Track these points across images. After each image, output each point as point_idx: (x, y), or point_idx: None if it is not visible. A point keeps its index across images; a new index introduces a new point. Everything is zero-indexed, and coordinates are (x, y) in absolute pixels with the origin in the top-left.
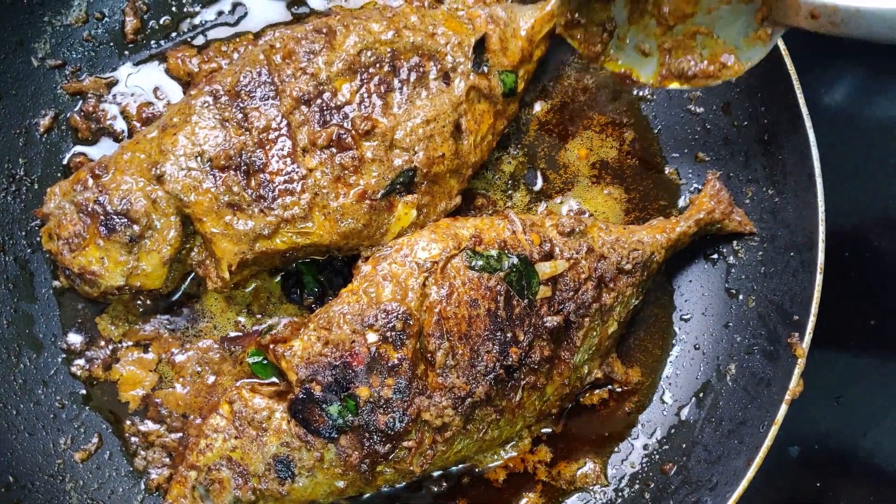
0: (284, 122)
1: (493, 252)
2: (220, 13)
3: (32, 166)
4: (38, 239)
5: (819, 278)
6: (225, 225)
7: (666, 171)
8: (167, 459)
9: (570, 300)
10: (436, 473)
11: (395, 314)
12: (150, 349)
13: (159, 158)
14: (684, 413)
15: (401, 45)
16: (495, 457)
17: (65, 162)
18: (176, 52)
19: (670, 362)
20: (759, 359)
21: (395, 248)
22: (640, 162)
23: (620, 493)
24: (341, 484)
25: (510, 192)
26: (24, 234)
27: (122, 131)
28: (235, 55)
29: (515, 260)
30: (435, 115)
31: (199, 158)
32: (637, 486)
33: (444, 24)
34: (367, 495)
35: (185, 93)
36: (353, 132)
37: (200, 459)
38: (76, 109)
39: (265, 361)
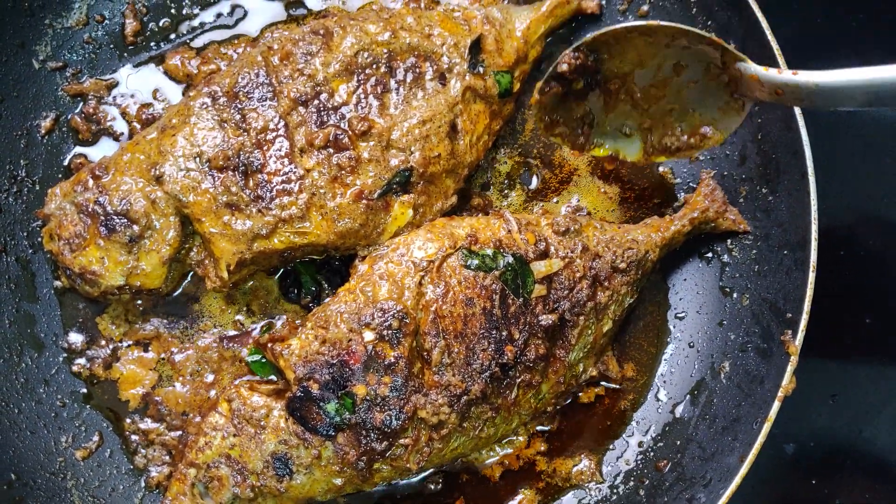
0: (282, 123)
1: (489, 251)
2: (219, 15)
3: (34, 167)
4: (39, 239)
5: (812, 276)
6: (223, 225)
7: (660, 170)
8: (167, 457)
9: (565, 299)
10: (432, 470)
11: (391, 313)
12: (149, 348)
13: (158, 159)
14: (679, 410)
15: (397, 46)
16: (491, 453)
17: (65, 163)
18: (175, 54)
19: (665, 360)
20: (752, 356)
21: (392, 247)
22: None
23: (615, 490)
24: (339, 481)
25: (506, 191)
26: (25, 234)
27: (122, 133)
28: (234, 57)
29: (511, 259)
30: (431, 115)
31: (197, 159)
32: (632, 483)
33: (440, 25)
34: (365, 492)
35: (184, 94)
36: (350, 133)
37: (200, 457)
38: (77, 111)
39: (263, 360)
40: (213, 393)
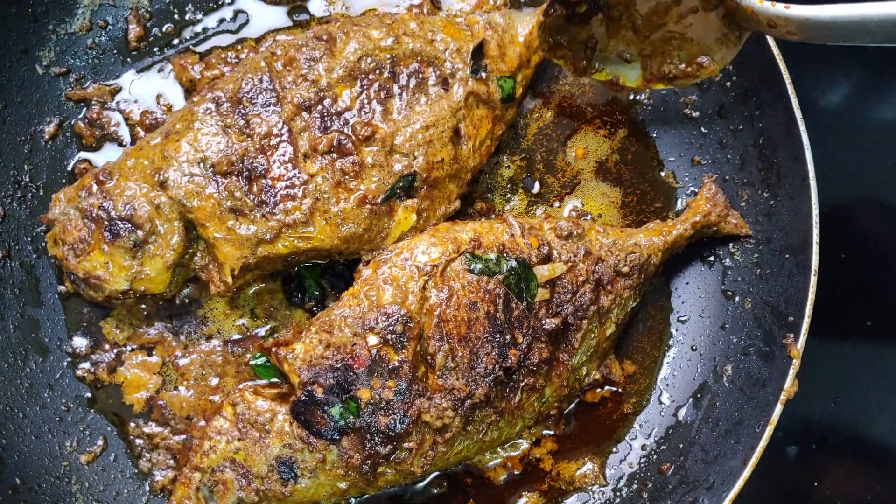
0: (286, 129)
1: (492, 255)
2: (222, 20)
3: (37, 173)
4: (43, 244)
5: (813, 280)
6: (227, 230)
7: (662, 175)
8: (171, 461)
9: (568, 303)
10: (436, 474)
11: (395, 317)
12: (154, 352)
13: (162, 164)
14: (681, 414)
15: (400, 51)
16: (495, 456)
17: (69, 168)
18: (178, 60)
19: (667, 363)
20: (754, 360)
21: (396, 251)
22: (637, 165)
23: (619, 493)
24: (343, 485)
25: (509, 196)
26: (29, 239)
27: (126, 138)
28: (237, 62)
29: (514, 263)
30: (434, 120)
31: (201, 164)
32: (635, 486)
33: (442, 31)
34: (369, 496)
35: (187, 100)
36: (354, 138)
37: (204, 461)
38: (80, 116)
39: (267, 364)
40: (217, 397)
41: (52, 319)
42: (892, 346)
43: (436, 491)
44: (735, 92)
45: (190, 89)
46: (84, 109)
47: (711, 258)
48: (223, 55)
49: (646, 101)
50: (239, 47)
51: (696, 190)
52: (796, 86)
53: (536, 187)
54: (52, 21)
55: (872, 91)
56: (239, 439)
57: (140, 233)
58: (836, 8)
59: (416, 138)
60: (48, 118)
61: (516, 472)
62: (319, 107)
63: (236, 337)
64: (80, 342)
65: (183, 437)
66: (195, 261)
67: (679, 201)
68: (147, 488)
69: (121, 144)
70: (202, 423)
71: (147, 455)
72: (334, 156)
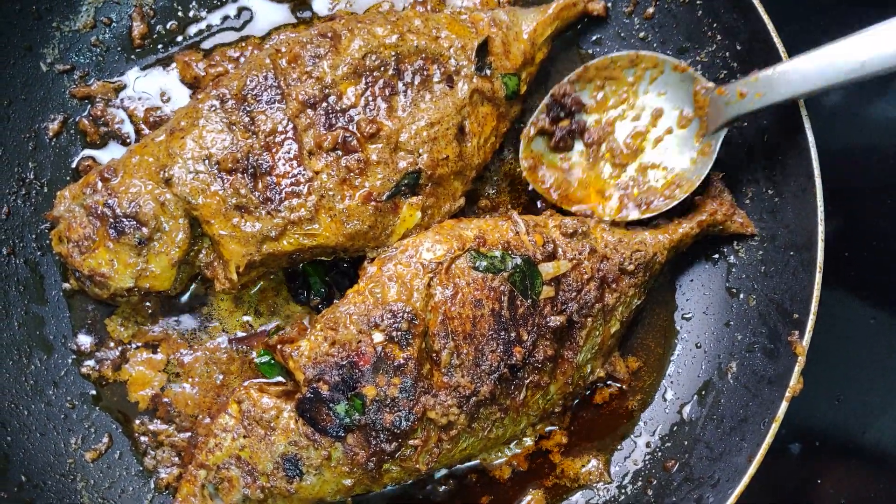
0: (290, 126)
1: (497, 253)
2: (226, 18)
3: (42, 170)
4: (48, 242)
5: (818, 277)
6: (232, 227)
7: None
8: (176, 459)
9: (573, 300)
10: (442, 472)
11: (400, 314)
12: (158, 350)
13: (167, 162)
14: (686, 411)
15: (405, 48)
16: (500, 454)
17: (74, 165)
18: (182, 57)
19: (672, 361)
20: (759, 357)
21: (401, 249)
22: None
23: (623, 490)
24: (348, 482)
25: (513, 193)
26: (34, 237)
27: (130, 135)
28: (241, 59)
29: (519, 260)
30: (439, 117)
31: (206, 161)
32: (640, 483)
33: (447, 28)
34: (374, 493)
35: (191, 97)
36: (359, 135)
37: (210, 458)
38: (84, 114)
39: (272, 361)
40: (222, 395)
41: (56, 317)
42: (895, 343)
43: (442, 489)
44: None
45: (194, 86)
46: (88, 107)
47: (716, 256)
48: (227, 52)
49: None
50: (243, 44)
51: (702, 188)
52: None
53: None
54: (56, 18)
55: (875, 88)
56: (244, 436)
57: (145, 230)
58: (796, 60)
59: (421, 135)
60: (52, 115)
61: (522, 470)
62: (324, 104)
63: (241, 334)
64: (84, 339)
65: (188, 434)
66: (200, 258)
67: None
68: (152, 485)
69: (125, 142)
70: (207, 420)
71: (152, 452)
72: (339, 153)
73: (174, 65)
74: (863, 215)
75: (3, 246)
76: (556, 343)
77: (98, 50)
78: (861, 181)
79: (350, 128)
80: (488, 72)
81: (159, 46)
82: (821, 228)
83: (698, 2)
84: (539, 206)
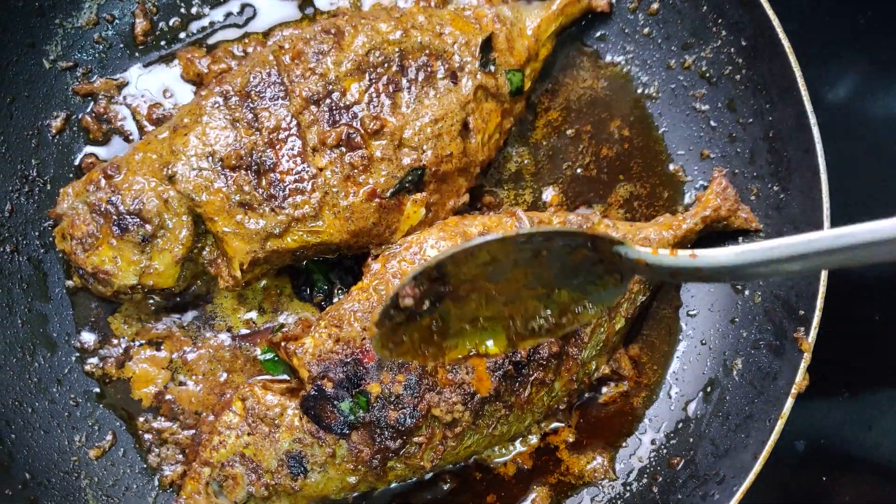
0: (294, 122)
1: None
2: (229, 14)
3: (45, 167)
4: (51, 239)
5: (824, 274)
6: (236, 224)
7: (672, 169)
8: (180, 456)
9: None
10: (446, 468)
11: None
12: (162, 347)
13: (171, 159)
14: (691, 408)
15: (409, 44)
16: (504, 452)
17: (77, 163)
18: (186, 54)
19: (677, 357)
20: (765, 353)
21: (405, 246)
22: (646, 159)
23: (629, 488)
24: (353, 479)
25: (518, 189)
26: (37, 234)
27: (133, 132)
28: (244, 56)
29: None
30: (443, 114)
31: (210, 158)
32: (645, 481)
33: (451, 24)
34: (379, 490)
35: (195, 94)
36: (363, 131)
37: (214, 456)
38: (87, 111)
39: (276, 358)
40: (226, 392)
41: (60, 314)
42: None
43: (446, 486)
44: (745, 85)
45: (197, 83)
46: (91, 104)
47: None
48: (230, 49)
49: (655, 94)
50: (246, 41)
51: (706, 184)
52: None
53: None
54: (58, 15)
55: (880, 84)
56: (248, 434)
57: (149, 227)
58: (744, 248)
59: (425, 132)
60: (55, 112)
61: (526, 467)
62: (328, 100)
63: (245, 332)
64: (88, 337)
65: (192, 431)
66: (204, 255)
67: (688, 195)
68: (156, 483)
69: (128, 139)
70: (211, 417)
71: (156, 450)
72: (343, 149)
73: (177, 62)
74: (868, 211)
75: (7, 243)
76: (561, 340)
77: (101, 47)
78: (867, 177)
79: (354, 124)
80: (492, 68)
81: (162, 43)
82: (826, 224)
83: None
84: (543, 203)
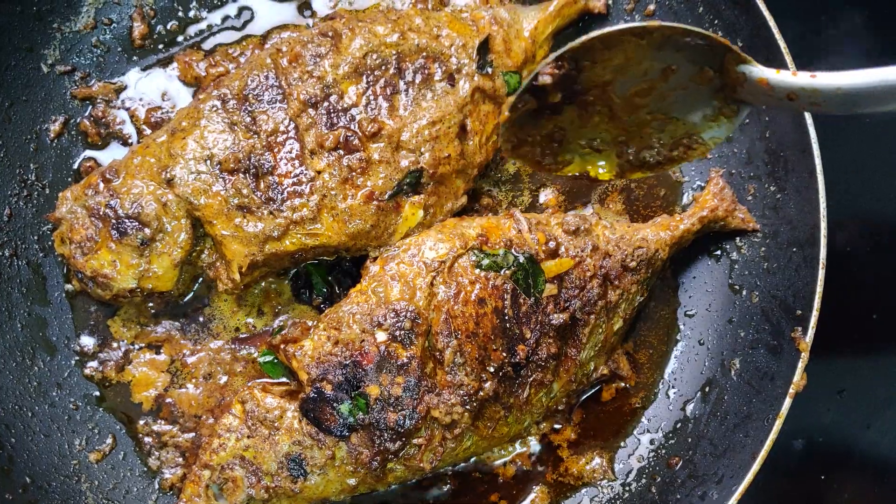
0: (292, 125)
1: (500, 251)
2: (226, 17)
3: (43, 171)
4: (50, 243)
5: (821, 273)
6: (235, 227)
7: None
8: (180, 459)
9: (575, 298)
10: (445, 470)
11: (403, 313)
12: (161, 350)
13: (169, 162)
14: (689, 408)
15: (406, 47)
16: (503, 453)
17: (75, 167)
18: (183, 57)
19: (675, 358)
20: (762, 353)
21: (403, 248)
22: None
23: (627, 488)
24: (353, 481)
25: (515, 191)
26: (36, 238)
27: (131, 136)
28: (242, 59)
29: (521, 258)
30: (440, 116)
31: (208, 162)
32: (644, 481)
33: (448, 26)
34: (378, 492)
35: (193, 97)
36: (360, 134)
37: (214, 459)
38: (86, 115)
39: (275, 361)
40: (225, 395)
41: (59, 318)
42: None
43: (446, 488)
44: None
45: (195, 86)
46: (89, 108)
47: (718, 252)
48: (228, 52)
49: None
50: (244, 44)
51: (703, 184)
52: None
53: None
54: (56, 19)
55: None
56: (248, 436)
57: (147, 231)
58: (868, 73)
59: (423, 134)
60: (53, 116)
61: (526, 468)
62: (326, 103)
63: (244, 335)
64: (87, 341)
65: (192, 434)
66: (203, 258)
67: (686, 196)
68: (156, 486)
69: (126, 142)
70: (211, 420)
71: (156, 453)
72: (341, 152)
73: (175, 65)
74: (865, 211)
75: (6, 248)
76: (560, 340)
77: (99, 51)
78: (864, 177)
79: (352, 127)
80: (490, 70)
81: (160, 47)
82: (823, 224)
83: None
84: (541, 204)
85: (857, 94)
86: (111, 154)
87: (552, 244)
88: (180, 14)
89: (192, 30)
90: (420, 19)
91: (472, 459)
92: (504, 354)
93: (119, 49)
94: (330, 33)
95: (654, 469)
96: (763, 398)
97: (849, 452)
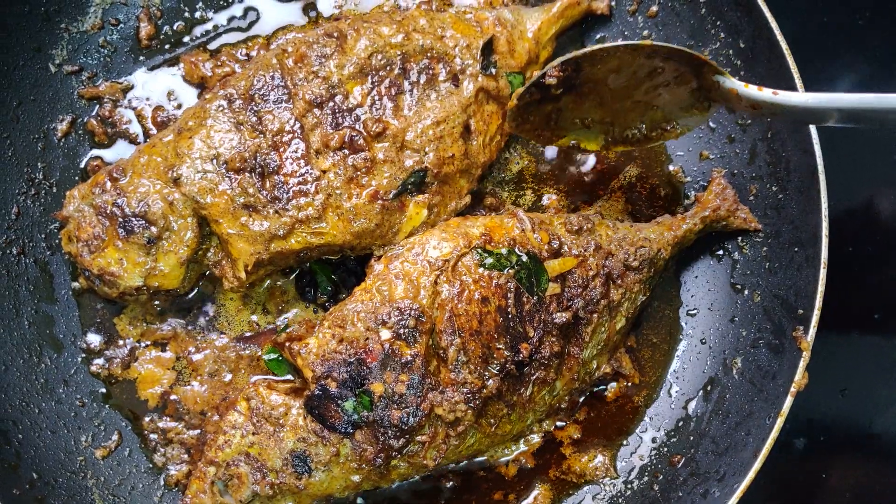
0: (297, 125)
1: (503, 250)
2: (232, 18)
3: (51, 170)
4: (57, 241)
5: (823, 273)
6: (241, 226)
7: (671, 169)
8: (186, 456)
9: (578, 296)
10: (449, 467)
11: (407, 312)
12: (167, 348)
13: (176, 161)
14: (692, 406)
15: (410, 47)
16: (506, 451)
17: (82, 166)
18: (189, 57)
19: (677, 356)
20: (764, 352)
21: (407, 247)
22: (646, 160)
23: (630, 486)
24: (357, 478)
25: (519, 191)
26: (43, 236)
27: (138, 135)
28: (248, 59)
29: (525, 257)
30: (445, 116)
31: (214, 161)
32: (646, 479)
33: (452, 27)
34: (382, 489)
35: (199, 97)
36: (365, 134)
37: (219, 455)
38: (93, 114)
39: (280, 359)
40: (230, 392)
41: (66, 316)
42: None
43: (449, 485)
44: None
45: (201, 87)
46: (96, 107)
47: (720, 252)
48: (234, 52)
49: None
50: (249, 44)
51: (705, 184)
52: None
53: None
54: (64, 19)
55: (877, 85)
56: (253, 433)
57: (154, 229)
58: (823, 97)
59: (427, 134)
60: (61, 116)
61: (529, 466)
62: (331, 103)
63: (249, 333)
64: (94, 338)
65: (197, 431)
66: (209, 257)
67: (688, 195)
68: (162, 483)
69: (133, 142)
70: (216, 417)
71: (162, 450)
72: (346, 152)
73: (181, 65)
74: (867, 211)
75: (13, 246)
76: (563, 339)
77: (106, 51)
78: (865, 177)
79: (357, 127)
80: (493, 70)
81: (166, 47)
82: (825, 224)
83: (702, 0)
84: (544, 204)
85: (807, 111)
86: (118, 153)
87: (555, 243)
88: (186, 15)
89: (198, 30)
90: (424, 20)
91: (476, 457)
92: (507, 353)
93: (126, 49)
94: (335, 34)
95: (657, 467)
96: (765, 397)
97: (850, 451)
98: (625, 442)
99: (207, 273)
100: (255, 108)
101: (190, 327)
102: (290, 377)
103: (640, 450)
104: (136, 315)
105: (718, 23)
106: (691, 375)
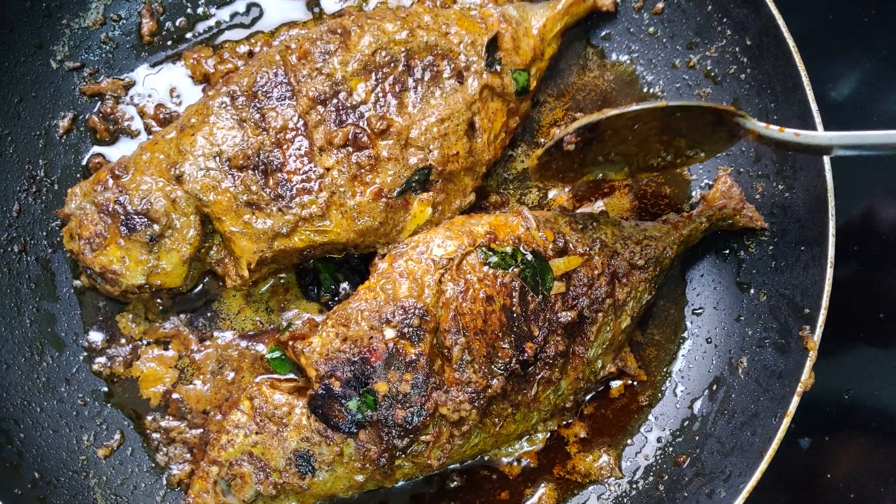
0: (301, 122)
1: (508, 249)
2: (235, 14)
3: (52, 167)
4: (59, 239)
5: (829, 272)
6: (244, 224)
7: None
8: (188, 455)
9: (583, 295)
10: (453, 467)
11: (411, 310)
12: (170, 346)
13: (178, 159)
14: (697, 406)
15: (415, 44)
16: (511, 450)
17: (84, 163)
18: (192, 54)
19: (683, 356)
20: (770, 352)
21: (412, 245)
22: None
23: (635, 486)
24: (360, 478)
25: (523, 188)
26: (45, 234)
27: (140, 132)
28: (250, 56)
29: (530, 256)
30: (449, 113)
31: (217, 158)
32: (651, 479)
33: (457, 24)
34: (386, 489)
35: (202, 93)
36: (369, 131)
37: (222, 455)
38: (94, 111)
39: (283, 357)
40: (233, 391)
41: (68, 314)
42: None
43: (453, 485)
44: (750, 84)
45: (204, 83)
46: (98, 104)
47: (726, 251)
48: (237, 49)
49: (660, 93)
50: (252, 41)
51: (711, 183)
52: None
53: None
54: (66, 15)
55: (883, 82)
56: (256, 433)
57: (156, 227)
58: (843, 135)
59: (432, 131)
60: (62, 113)
61: (533, 466)
62: (335, 100)
63: (252, 331)
64: (96, 336)
65: (200, 430)
66: (211, 255)
67: (694, 194)
68: (164, 482)
69: (135, 139)
70: (219, 416)
71: (164, 449)
72: (350, 149)
73: (184, 62)
74: (873, 209)
75: (15, 243)
76: (567, 338)
77: (108, 47)
78: (872, 175)
79: (360, 124)
80: (498, 67)
81: (169, 43)
82: (832, 223)
83: None
84: (549, 202)
85: (830, 148)
86: (120, 150)
87: (560, 242)
88: (189, 11)
89: (200, 26)
90: (429, 17)
91: (480, 457)
92: (512, 352)
93: (128, 45)
94: (339, 30)
95: (662, 467)
96: (770, 396)
97: (854, 451)
98: (630, 441)
99: (210, 271)
100: (259, 105)
101: (192, 326)
102: (293, 376)
103: (645, 449)
104: (139, 313)
105: (725, 19)
106: (697, 375)
